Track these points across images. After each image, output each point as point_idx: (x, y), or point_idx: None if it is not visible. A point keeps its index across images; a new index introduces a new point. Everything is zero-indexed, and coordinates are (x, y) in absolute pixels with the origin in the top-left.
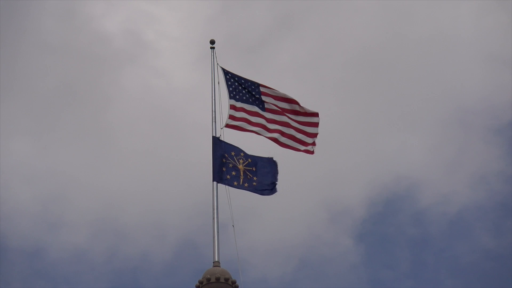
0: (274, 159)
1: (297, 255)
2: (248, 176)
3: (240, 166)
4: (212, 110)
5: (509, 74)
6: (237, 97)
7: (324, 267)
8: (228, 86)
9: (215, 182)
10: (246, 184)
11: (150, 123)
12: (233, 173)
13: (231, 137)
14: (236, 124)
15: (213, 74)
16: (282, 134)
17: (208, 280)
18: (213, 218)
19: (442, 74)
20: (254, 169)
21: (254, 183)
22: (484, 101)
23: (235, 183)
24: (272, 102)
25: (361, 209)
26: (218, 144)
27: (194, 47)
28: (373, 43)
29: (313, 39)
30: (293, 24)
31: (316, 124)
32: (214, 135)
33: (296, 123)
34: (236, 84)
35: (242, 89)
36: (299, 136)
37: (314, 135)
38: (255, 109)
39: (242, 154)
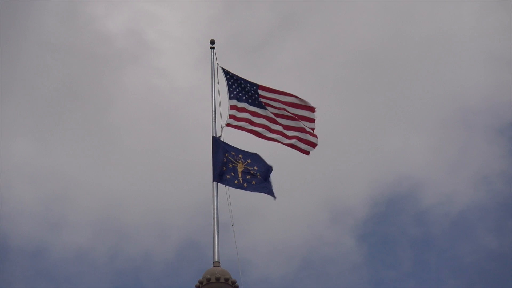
0: (273, 162)
1: (299, 255)
2: (248, 176)
3: (240, 166)
4: (212, 110)
5: (511, 73)
6: (238, 97)
7: (326, 267)
8: (229, 86)
9: (215, 182)
10: (245, 184)
11: (152, 123)
12: (233, 173)
13: (231, 137)
14: (238, 124)
15: (213, 74)
16: (283, 135)
17: (208, 280)
18: (213, 218)
19: (444, 73)
20: (255, 168)
21: (254, 182)
22: (486, 100)
23: (235, 182)
24: (272, 104)
25: (363, 209)
26: (218, 144)
27: (196, 47)
28: (374, 43)
29: (315, 38)
30: (295, 23)
31: (312, 120)
32: (214, 135)
33: (296, 121)
34: (237, 84)
35: (242, 89)
36: (302, 135)
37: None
38: (256, 109)
39: (241, 155)
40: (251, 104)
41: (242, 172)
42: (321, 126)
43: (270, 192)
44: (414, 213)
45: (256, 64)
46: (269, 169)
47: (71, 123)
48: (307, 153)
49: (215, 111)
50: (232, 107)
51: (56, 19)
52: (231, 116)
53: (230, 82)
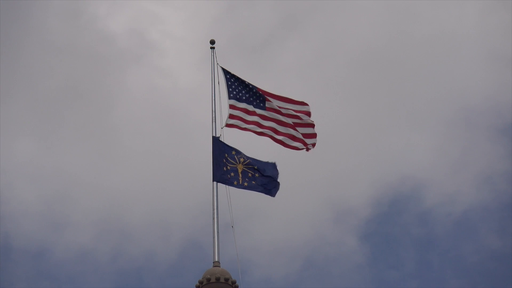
0: (276, 161)
1: (301, 255)
2: (248, 176)
3: (240, 166)
4: (212, 110)
5: None
6: (237, 97)
7: (328, 267)
8: (228, 86)
9: (215, 182)
10: (245, 184)
11: (155, 123)
12: (233, 173)
13: (231, 137)
14: (238, 124)
15: (213, 74)
16: (284, 134)
17: (208, 280)
18: (213, 218)
19: (446, 73)
20: (255, 167)
21: (254, 181)
22: (489, 100)
23: (235, 182)
24: (272, 107)
25: (366, 209)
26: (217, 144)
27: (198, 47)
28: (377, 43)
29: (317, 38)
30: (297, 24)
31: (308, 113)
32: (214, 135)
33: (294, 118)
34: (236, 84)
35: (242, 89)
36: (297, 134)
37: (314, 136)
38: (256, 109)
39: (241, 154)
40: (251, 104)
41: (242, 172)
42: (324, 126)
43: (270, 191)
44: (417, 213)
45: (259, 64)
46: (272, 166)
47: (74, 123)
48: (307, 149)
49: (215, 111)
50: (231, 107)
51: (58, 19)
52: (231, 116)
53: (229, 82)
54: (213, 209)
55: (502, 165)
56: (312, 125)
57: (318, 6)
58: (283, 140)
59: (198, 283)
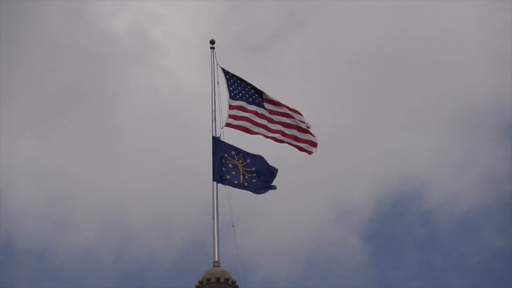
0: (277, 162)
1: (304, 255)
2: (248, 176)
3: (240, 166)
4: (212, 110)
5: None
6: (238, 97)
7: (331, 267)
8: (228, 86)
9: (215, 182)
10: (246, 184)
11: (157, 123)
12: (233, 172)
13: (231, 137)
14: (238, 124)
15: (213, 74)
16: (284, 134)
17: (208, 280)
18: (213, 218)
19: (448, 73)
20: (253, 169)
21: (254, 180)
22: (491, 100)
23: (235, 182)
24: (272, 108)
25: (368, 209)
26: (217, 144)
27: (200, 47)
28: (379, 43)
29: (319, 38)
30: (299, 23)
31: (304, 122)
32: (214, 135)
33: (295, 119)
34: (236, 84)
35: (242, 89)
36: (302, 136)
37: (314, 144)
38: (256, 108)
39: (241, 154)
40: (250, 103)
41: (243, 171)
42: (326, 126)
43: (268, 189)
44: (419, 213)
45: (261, 64)
46: (271, 170)
47: (76, 123)
48: (309, 152)
49: (215, 111)
50: (231, 107)
51: (61, 19)
52: (231, 116)
53: (229, 82)
54: (213, 209)
55: (504, 165)
56: (310, 132)
57: (320, 6)
58: (289, 141)
59: (198, 283)
